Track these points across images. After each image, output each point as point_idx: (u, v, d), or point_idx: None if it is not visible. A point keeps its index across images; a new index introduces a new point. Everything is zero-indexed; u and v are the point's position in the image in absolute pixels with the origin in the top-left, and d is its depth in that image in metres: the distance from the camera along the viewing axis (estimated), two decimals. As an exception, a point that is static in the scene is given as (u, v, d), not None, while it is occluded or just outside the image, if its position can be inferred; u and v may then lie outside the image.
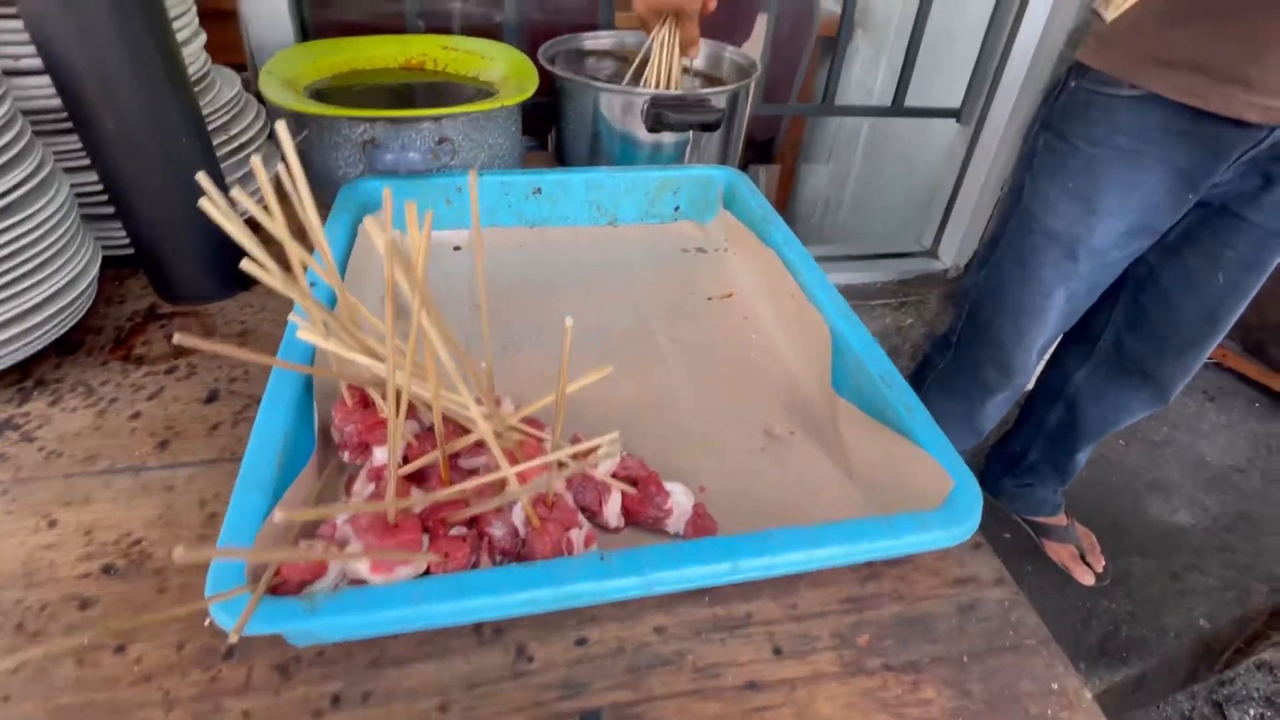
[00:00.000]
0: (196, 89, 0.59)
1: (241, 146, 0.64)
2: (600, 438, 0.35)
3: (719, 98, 0.71)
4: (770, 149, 2.01)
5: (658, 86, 0.74)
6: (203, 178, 0.29)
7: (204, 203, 0.30)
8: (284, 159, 0.30)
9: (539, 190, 0.67)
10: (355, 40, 0.79)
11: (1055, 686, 0.34)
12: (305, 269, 0.34)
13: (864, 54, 1.82)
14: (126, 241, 0.58)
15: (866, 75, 1.81)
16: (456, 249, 0.66)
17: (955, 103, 1.17)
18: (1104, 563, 1.31)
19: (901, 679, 0.34)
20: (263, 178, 0.30)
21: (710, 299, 0.63)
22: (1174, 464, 1.58)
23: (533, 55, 0.82)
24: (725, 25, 1.80)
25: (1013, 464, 1.34)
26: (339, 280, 0.34)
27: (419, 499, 0.34)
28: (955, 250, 1.23)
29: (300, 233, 0.35)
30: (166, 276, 0.58)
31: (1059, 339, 1.10)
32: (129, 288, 0.59)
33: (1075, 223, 0.89)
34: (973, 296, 1.07)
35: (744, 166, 2.12)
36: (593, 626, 0.35)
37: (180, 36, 0.57)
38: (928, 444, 0.40)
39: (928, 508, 0.37)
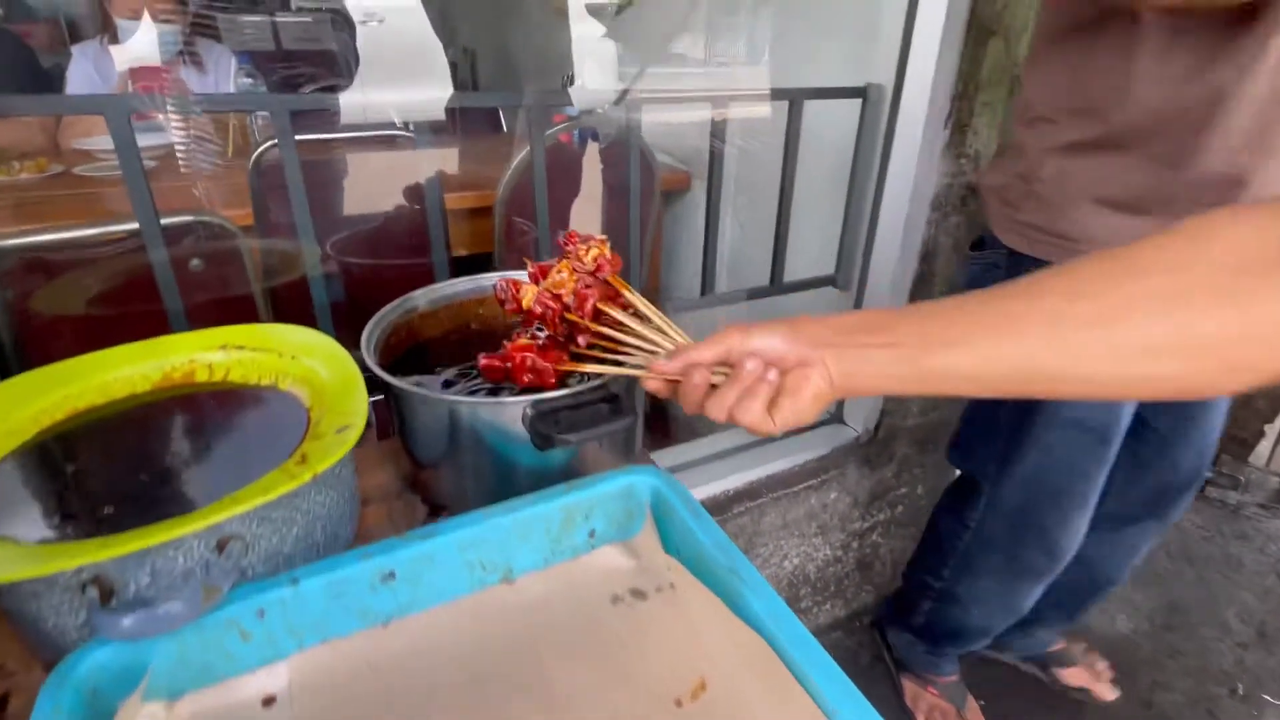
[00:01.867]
0: None
1: None
2: None
3: (617, 384, 0.54)
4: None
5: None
6: None
7: None
8: None
9: (392, 575, 0.45)
10: (78, 364, 0.55)
11: None
12: None
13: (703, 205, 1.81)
14: None
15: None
16: (269, 703, 0.42)
17: (825, 265, 1.12)
18: (1106, 663, 1.29)
19: None
20: None
21: (679, 704, 0.43)
22: (1094, 562, 1.57)
23: (357, 312, 0.62)
24: (563, 188, 1.71)
25: (1021, 620, 1.23)
26: None
27: None
28: (863, 417, 1.15)
29: None
30: None
31: None
32: None
33: (1103, 412, 0.87)
34: (1002, 483, 0.97)
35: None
36: None
37: None
38: None
39: None
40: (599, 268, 0.57)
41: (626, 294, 0.56)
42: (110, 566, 0.39)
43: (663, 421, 1.59)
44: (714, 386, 0.48)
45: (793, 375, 0.46)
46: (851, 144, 1.05)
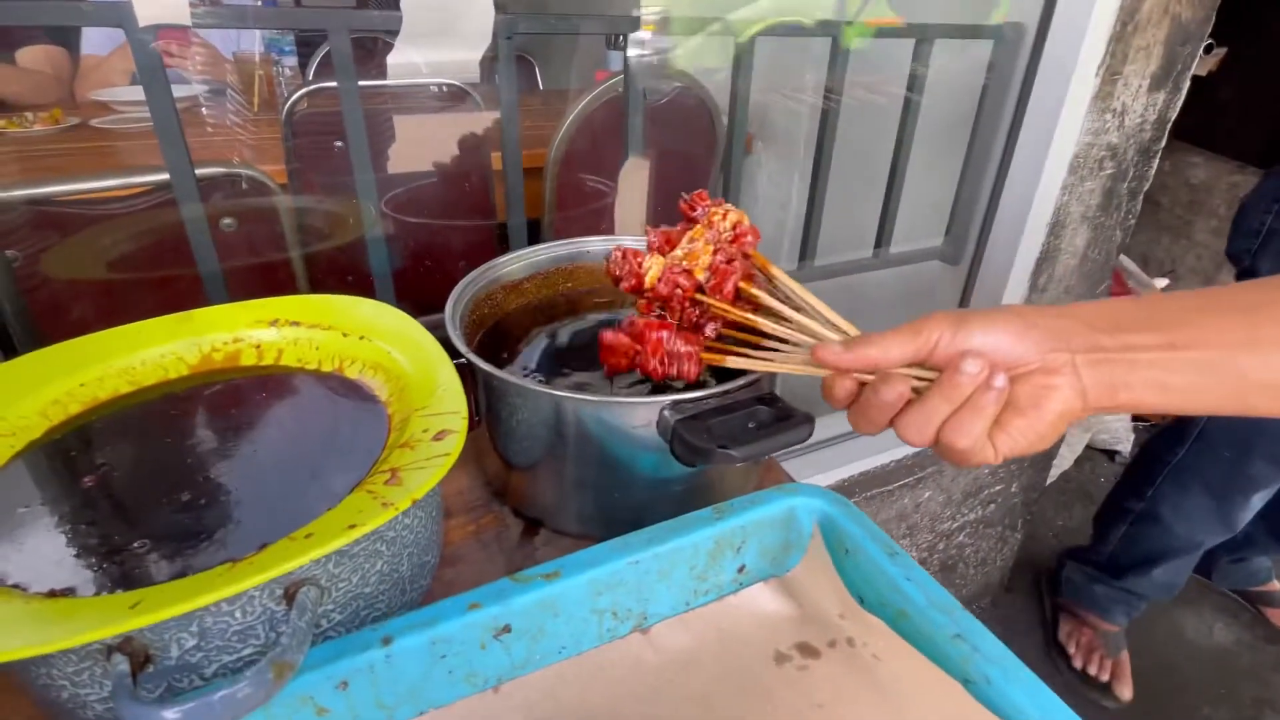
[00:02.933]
0: None
1: None
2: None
3: (768, 379, 0.43)
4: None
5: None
6: None
7: None
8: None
9: (508, 629, 0.35)
10: (103, 339, 0.44)
11: None
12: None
13: (769, 166, 1.68)
14: None
15: (776, 188, 1.65)
16: (356, 796, 0.32)
17: (921, 235, 0.98)
18: None
19: None
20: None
21: (892, 812, 0.32)
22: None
23: (410, 283, 0.51)
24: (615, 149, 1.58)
25: (1233, 545, 1.27)
26: None
27: None
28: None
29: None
30: None
31: None
32: None
33: None
34: None
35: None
36: None
37: None
38: None
39: None
40: (738, 237, 0.45)
41: (774, 273, 0.44)
42: (149, 639, 0.29)
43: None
44: (914, 401, 0.37)
45: (1029, 385, 0.34)
46: (956, 96, 0.92)
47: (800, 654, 0.39)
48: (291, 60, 1.68)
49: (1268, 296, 0.32)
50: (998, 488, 1.16)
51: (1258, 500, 1.05)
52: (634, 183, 1.76)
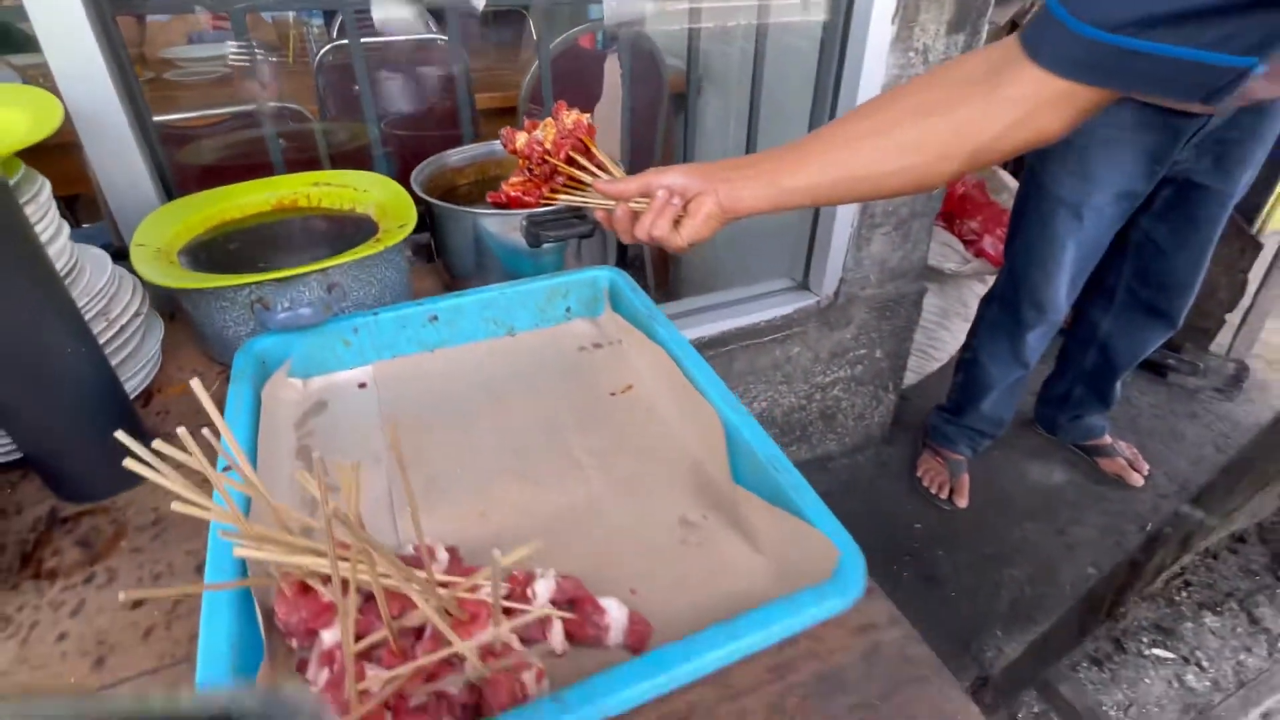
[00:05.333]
0: (66, 282, 0.59)
1: (124, 328, 0.63)
2: (522, 550, 0.36)
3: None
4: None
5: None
6: (121, 436, 0.32)
7: (129, 462, 0.32)
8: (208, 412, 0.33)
9: (435, 318, 0.71)
10: (223, 191, 0.80)
11: (948, 708, 0.41)
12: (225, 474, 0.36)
13: (713, 106, 1.97)
14: (11, 446, 0.57)
15: (718, 126, 1.95)
16: (362, 386, 0.68)
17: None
18: (1148, 468, 1.65)
19: (827, 736, 0.40)
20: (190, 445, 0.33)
21: (613, 394, 0.68)
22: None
23: (404, 176, 0.86)
24: (581, 91, 1.89)
25: (1062, 403, 1.67)
26: (263, 493, 0.37)
27: (379, 679, 0.36)
28: (824, 285, 1.36)
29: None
30: (63, 477, 0.57)
31: (1081, 293, 1.41)
32: (23, 492, 0.58)
33: (1078, 191, 1.22)
34: (1009, 258, 1.39)
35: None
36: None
37: (45, 237, 0.57)
38: (814, 518, 0.46)
39: (823, 575, 0.43)
40: (575, 127, 0.79)
41: (593, 149, 0.78)
42: (268, 291, 0.66)
43: (668, 286, 1.84)
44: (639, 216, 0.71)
45: (693, 202, 0.65)
46: (811, 46, 1.21)
47: (592, 347, 0.75)
48: (319, 20, 2.02)
49: (794, 145, 0.65)
50: (862, 351, 1.49)
51: (1033, 339, 1.41)
52: (608, 114, 2.06)
